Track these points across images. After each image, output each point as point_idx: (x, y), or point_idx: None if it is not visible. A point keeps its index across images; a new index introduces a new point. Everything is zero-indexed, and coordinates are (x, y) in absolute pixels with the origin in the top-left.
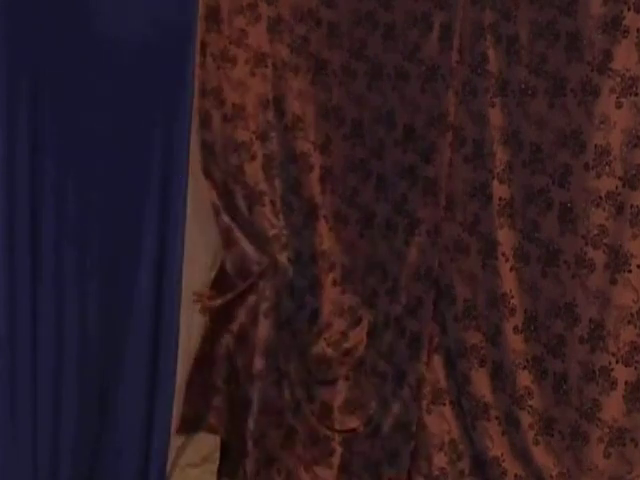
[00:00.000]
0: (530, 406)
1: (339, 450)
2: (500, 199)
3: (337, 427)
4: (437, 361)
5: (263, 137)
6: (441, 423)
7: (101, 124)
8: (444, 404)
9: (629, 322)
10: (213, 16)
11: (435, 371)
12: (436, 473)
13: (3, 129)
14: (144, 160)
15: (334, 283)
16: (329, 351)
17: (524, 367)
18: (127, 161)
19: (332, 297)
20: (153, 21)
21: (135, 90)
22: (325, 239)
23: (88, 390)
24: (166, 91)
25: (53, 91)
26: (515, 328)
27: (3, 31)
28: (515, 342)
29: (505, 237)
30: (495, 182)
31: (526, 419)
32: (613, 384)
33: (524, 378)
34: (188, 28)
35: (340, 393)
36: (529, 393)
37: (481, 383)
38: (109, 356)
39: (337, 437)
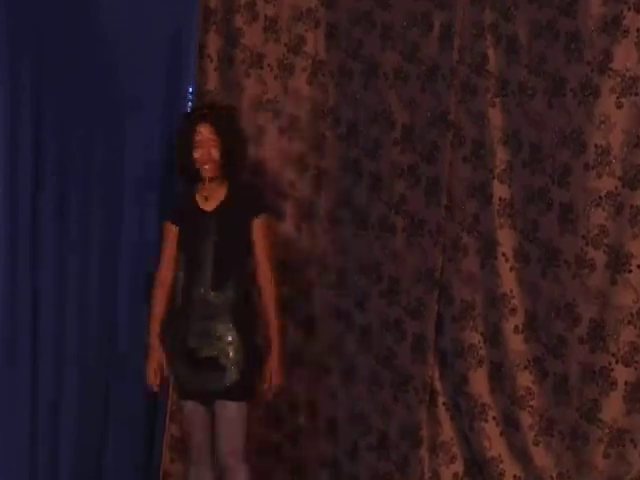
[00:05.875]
0: (531, 406)
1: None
2: (500, 199)
3: None
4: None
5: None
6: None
7: (101, 121)
8: (437, 406)
9: (629, 322)
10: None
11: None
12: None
13: (6, 121)
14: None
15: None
16: None
17: (525, 367)
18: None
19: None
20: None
21: (134, 89)
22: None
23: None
24: (165, 89)
25: (54, 89)
26: (515, 328)
27: (5, 28)
28: (515, 342)
29: (505, 237)
30: (495, 182)
31: (526, 420)
32: (613, 384)
33: (524, 379)
34: (187, 28)
35: None
36: (530, 394)
37: (479, 383)
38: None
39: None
